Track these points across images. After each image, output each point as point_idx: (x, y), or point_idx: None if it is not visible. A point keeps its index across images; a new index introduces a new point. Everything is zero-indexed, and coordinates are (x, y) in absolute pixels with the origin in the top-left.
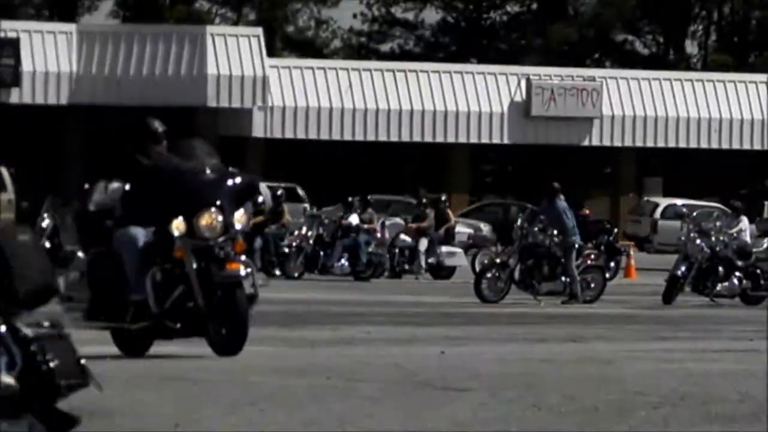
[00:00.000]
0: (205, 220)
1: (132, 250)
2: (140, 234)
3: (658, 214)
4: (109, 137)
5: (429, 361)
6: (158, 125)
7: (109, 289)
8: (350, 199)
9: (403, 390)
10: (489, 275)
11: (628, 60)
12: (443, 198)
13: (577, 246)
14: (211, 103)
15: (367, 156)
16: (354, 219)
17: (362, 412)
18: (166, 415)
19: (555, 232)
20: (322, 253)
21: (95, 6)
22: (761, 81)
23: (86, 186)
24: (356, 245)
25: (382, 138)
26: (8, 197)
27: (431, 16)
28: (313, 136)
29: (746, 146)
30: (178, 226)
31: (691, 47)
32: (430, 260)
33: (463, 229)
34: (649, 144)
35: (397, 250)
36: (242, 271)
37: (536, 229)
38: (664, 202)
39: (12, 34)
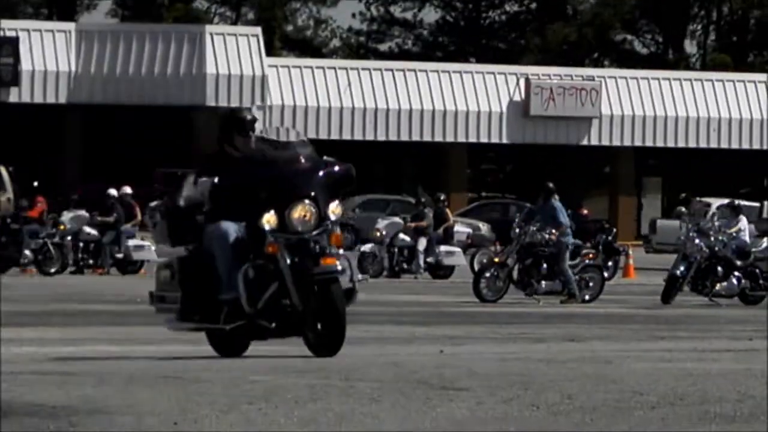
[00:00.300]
0: (297, 213)
1: (223, 247)
2: (231, 229)
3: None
4: (108, 136)
5: (428, 361)
6: (247, 114)
7: (200, 288)
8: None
9: (401, 389)
10: (488, 275)
11: (627, 60)
12: (442, 197)
13: (571, 246)
14: (210, 102)
15: (365, 155)
16: None
17: (361, 411)
18: (165, 414)
19: (552, 231)
20: None
21: (94, 5)
22: (760, 80)
23: (179, 173)
24: None
25: (381, 137)
26: (7, 196)
27: (430, 15)
28: (311, 135)
29: (745, 146)
30: (269, 220)
31: (690, 47)
32: (429, 259)
33: (461, 229)
34: (648, 143)
35: (396, 250)
36: (338, 266)
37: (534, 228)
38: (716, 201)
39: (11, 33)
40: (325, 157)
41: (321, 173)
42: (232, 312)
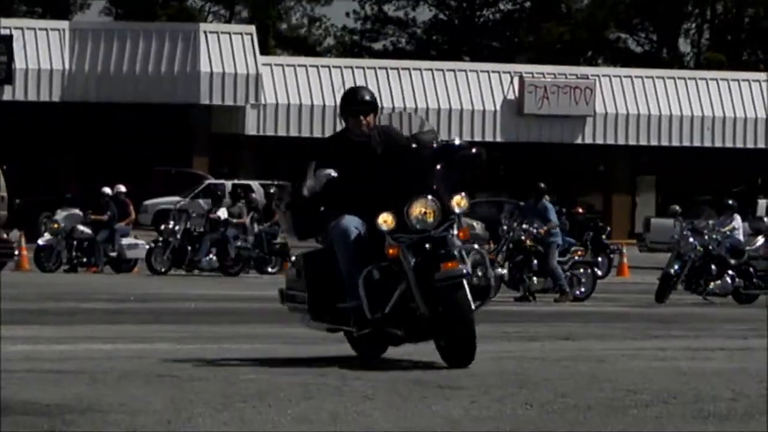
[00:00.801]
0: (417, 210)
1: (344, 245)
2: (353, 226)
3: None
4: (101, 134)
5: (423, 359)
6: (366, 94)
7: (325, 290)
8: (219, 192)
9: (395, 388)
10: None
11: (622, 58)
12: None
13: (562, 244)
14: (204, 100)
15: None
16: (222, 213)
17: (355, 409)
18: (159, 412)
19: (541, 226)
20: (189, 247)
21: (87, 3)
22: (754, 79)
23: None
24: (224, 240)
25: None
26: (1, 194)
27: (424, 14)
28: (306, 133)
29: (739, 144)
30: (385, 220)
31: (684, 45)
32: None
33: None
34: (642, 142)
35: None
36: (463, 269)
37: (523, 225)
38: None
39: (5, 32)
40: (450, 140)
41: (442, 163)
42: (359, 319)
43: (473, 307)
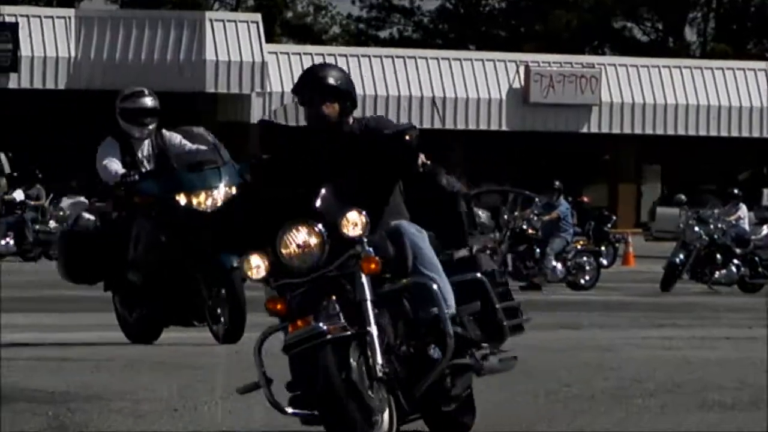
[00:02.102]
0: (286, 248)
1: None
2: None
3: None
4: (107, 122)
5: None
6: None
7: None
8: (15, 174)
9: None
10: None
11: (627, 47)
12: None
13: (568, 241)
14: (210, 88)
15: None
16: (19, 195)
17: None
18: (164, 400)
19: (540, 216)
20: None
21: None
22: (760, 68)
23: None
24: (21, 222)
25: None
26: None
27: (430, 2)
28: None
29: (745, 134)
30: (257, 265)
31: (690, 34)
32: None
33: None
34: (648, 131)
35: None
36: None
37: (531, 215)
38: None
39: (10, 19)
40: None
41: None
42: None
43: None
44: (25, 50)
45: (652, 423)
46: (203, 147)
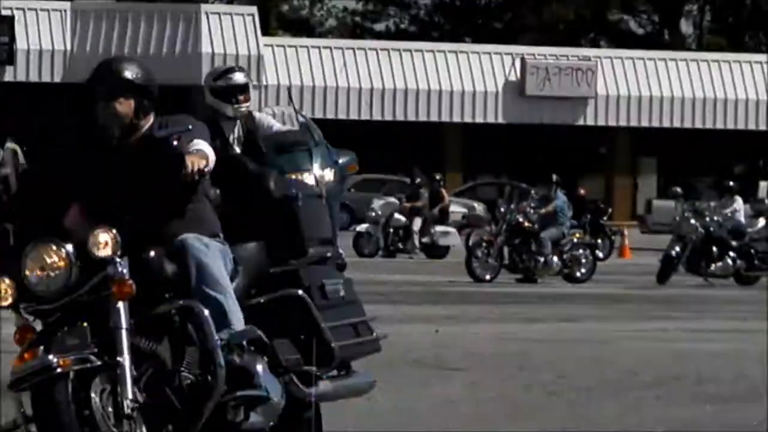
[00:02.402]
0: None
1: None
2: None
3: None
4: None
5: (423, 340)
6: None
7: None
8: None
9: (397, 369)
10: (479, 254)
11: (624, 40)
12: (438, 177)
13: (564, 233)
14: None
15: (361, 135)
16: None
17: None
18: None
19: (536, 209)
20: None
21: None
22: (756, 61)
23: None
24: None
25: (377, 117)
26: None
27: None
28: (307, 115)
29: (741, 126)
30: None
31: (686, 27)
32: (424, 239)
33: (457, 209)
34: (644, 124)
35: (391, 230)
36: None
37: (528, 208)
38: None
39: (6, 12)
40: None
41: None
42: None
43: None
44: (21, 43)
45: (649, 415)
46: (293, 127)
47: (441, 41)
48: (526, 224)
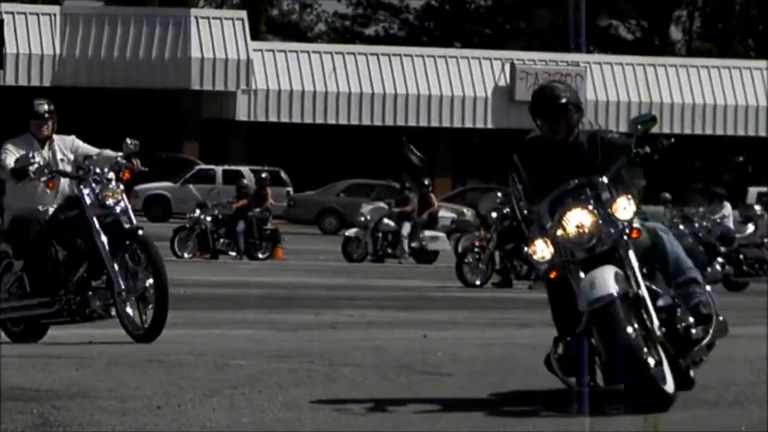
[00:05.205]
0: None
1: None
2: None
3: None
4: (92, 119)
5: (411, 345)
6: None
7: None
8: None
9: (384, 374)
10: (469, 258)
11: (613, 45)
12: (426, 182)
13: None
14: (195, 86)
15: (350, 140)
16: None
17: (344, 395)
18: (149, 397)
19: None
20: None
21: None
22: (745, 66)
23: None
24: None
25: (366, 122)
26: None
27: (415, 0)
28: (296, 119)
29: (730, 132)
30: None
31: (675, 33)
32: (413, 244)
33: (446, 214)
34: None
35: (380, 234)
36: None
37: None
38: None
39: None
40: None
41: None
42: None
43: None
44: (10, 47)
45: (636, 421)
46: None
47: (431, 46)
48: (516, 225)
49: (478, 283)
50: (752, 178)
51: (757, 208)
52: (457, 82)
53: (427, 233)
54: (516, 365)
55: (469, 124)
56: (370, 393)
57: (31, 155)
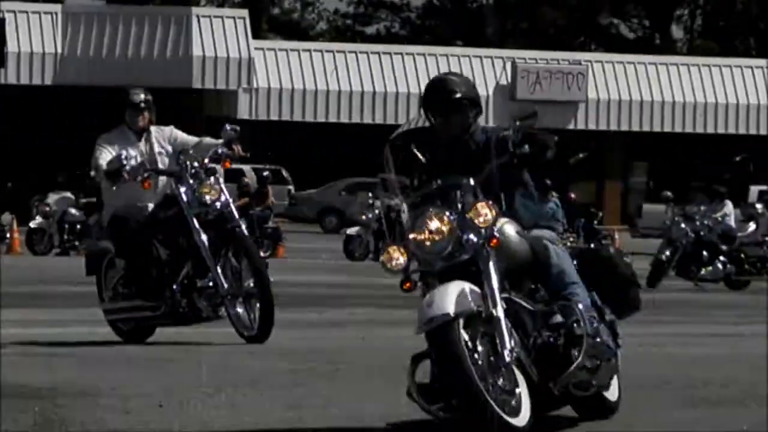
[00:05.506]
0: None
1: None
2: None
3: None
4: (94, 118)
5: (412, 345)
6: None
7: None
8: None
9: (386, 373)
10: None
11: (614, 44)
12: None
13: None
14: (197, 84)
15: (352, 138)
16: None
17: (346, 395)
18: (151, 396)
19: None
20: None
21: None
22: (747, 65)
23: None
24: None
25: (367, 120)
26: None
27: None
28: (298, 118)
29: (731, 130)
30: None
31: (676, 31)
32: None
33: None
34: (635, 128)
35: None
36: None
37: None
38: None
39: None
40: None
41: None
42: None
43: None
44: (12, 46)
45: (638, 419)
46: None
47: (432, 45)
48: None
49: None
50: (753, 177)
51: (759, 206)
52: None
53: None
54: None
55: None
56: (372, 392)
57: (124, 153)
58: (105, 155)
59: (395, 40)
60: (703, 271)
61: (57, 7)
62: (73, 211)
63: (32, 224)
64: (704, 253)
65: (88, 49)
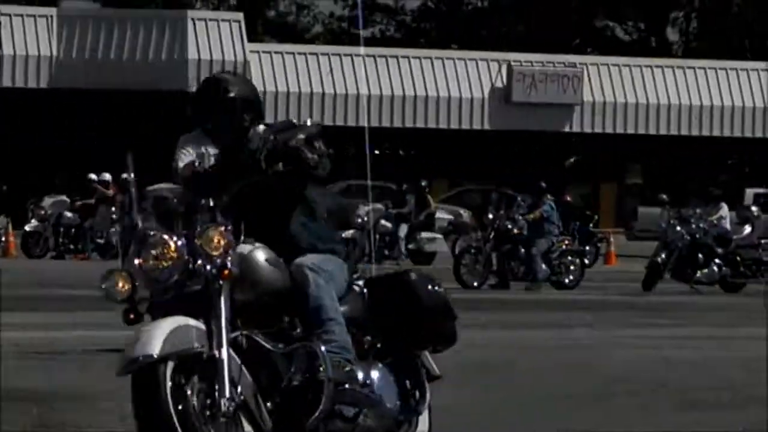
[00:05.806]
0: None
1: None
2: None
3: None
4: (89, 121)
5: None
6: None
7: None
8: None
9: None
10: (466, 260)
11: (610, 47)
12: (423, 183)
13: (552, 242)
14: (192, 87)
15: (347, 141)
16: None
17: None
18: None
19: (524, 215)
20: None
21: None
22: (742, 68)
23: None
24: None
25: (363, 123)
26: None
27: (412, 1)
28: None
29: (726, 133)
30: None
31: (672, 34)
32: (410, 246)
33: (443, 215)
34: (630, 131)
35: (377, 236)
36: None
37: (515, 214)
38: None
39: None
40: None
41: None
42: None
43: None
44: (7, 49)
45: (634, 422)
46: None
47: (427, 48)
48: (515, 231)
49: (475, 284)
50: (749, 179)
51: (754, 209)
52: (454, 84)
53: (424, 234)
54: (513, 367)
55: (465, 126)
56: None
57: (203, 150)
58: (186, 158)
59: (390, 43)
60: (698, 274)
61: (52, 10)
62: (68, 214)
63: (28, 227)
64: (700, 255)
65: (83, 53)
